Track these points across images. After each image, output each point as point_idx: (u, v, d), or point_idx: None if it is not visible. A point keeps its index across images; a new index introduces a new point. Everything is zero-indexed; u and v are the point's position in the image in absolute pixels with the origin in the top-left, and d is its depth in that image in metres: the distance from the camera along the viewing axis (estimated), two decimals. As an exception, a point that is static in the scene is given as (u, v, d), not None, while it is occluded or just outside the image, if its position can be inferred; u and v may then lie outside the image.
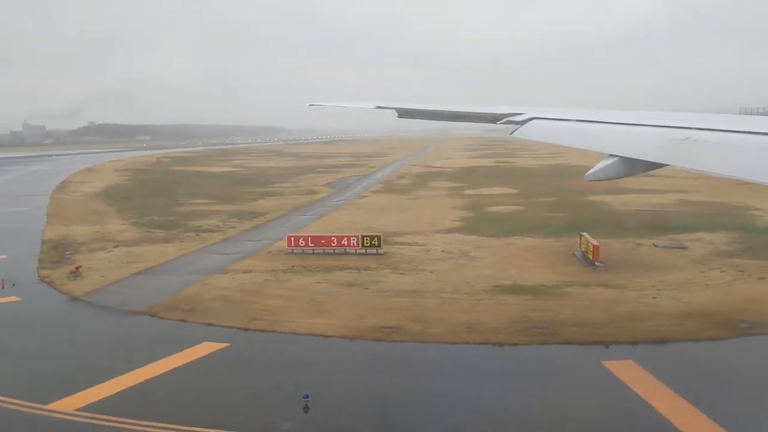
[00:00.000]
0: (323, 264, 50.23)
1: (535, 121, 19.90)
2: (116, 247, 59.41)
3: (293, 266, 49.72)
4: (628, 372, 27.86)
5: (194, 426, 23.05)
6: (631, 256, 51.56)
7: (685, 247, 53.98)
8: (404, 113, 27.29)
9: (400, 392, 26.60)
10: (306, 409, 24.42)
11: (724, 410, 23.85)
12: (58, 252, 57.10)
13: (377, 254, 53.62)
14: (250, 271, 48.02)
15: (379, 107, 28.34)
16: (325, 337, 33.16)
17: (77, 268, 47.93)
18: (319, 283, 44.36)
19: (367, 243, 54.65)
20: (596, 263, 47.96)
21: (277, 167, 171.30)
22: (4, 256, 54.79)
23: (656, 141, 13.99)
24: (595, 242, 49.32)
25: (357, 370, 29.48)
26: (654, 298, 39.20)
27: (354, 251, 54.15)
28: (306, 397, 24.67)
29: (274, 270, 48.24)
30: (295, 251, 54.82)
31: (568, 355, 30.65)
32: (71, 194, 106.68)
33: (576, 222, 68.47)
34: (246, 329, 34.47)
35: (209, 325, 35.26)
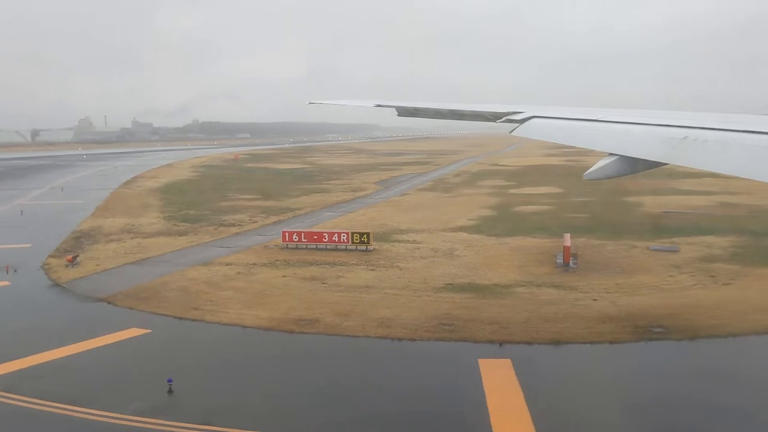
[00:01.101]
0: (306, 259, 52.08)
1: (534, 119, 19.98)
2: (133, 238, 63.40)
3: (276, 260, 51.83)
4: (493, 370, 28.30)
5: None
6: (613, 258, 50.68)
7: (676, 251, 52.49)
8: (404, 111, 27.54)
9: (254, 378, 28.32)
10: (170, 391, 26.23)
11: (553, 415, 24.06)
12: (77, 242, 61.58)
13: (366, 251, 54.88)
14: (230, 264, 50.47)
15: (378, 105, 28.56)
16: (244, 327, 34.95)
17: (74, 257, 51.80)
18: (284, 276, 46.24)
19: (357, 240, 56.05)
20: (568, 264, 47.63)
21: (344, 164, 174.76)
22: (29, 245, 59.58)
23: (655, 140, 14.08)
24: (567, 243, 48.92)
25: (239, 357, 31.05)
26: (594, 300, 38.85)
27: (345, 247, 55.63)
28: (170, 380, 26.50)
29: (254, 264, 50.49)
30: (289, 246, 56.90)
31: (451, 351, 31.18)
32: (133, 188, 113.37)
33: (592, 223, 67.96)
34: (180, 318, 36.73)
35: (151, 312, 37.74)
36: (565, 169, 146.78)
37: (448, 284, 43.48)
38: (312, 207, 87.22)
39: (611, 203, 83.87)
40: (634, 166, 14.43)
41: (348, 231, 57.79)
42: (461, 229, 66.57)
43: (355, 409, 25.05)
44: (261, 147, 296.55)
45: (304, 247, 56.67)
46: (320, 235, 57.60)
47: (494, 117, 22.19)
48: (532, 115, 20.27)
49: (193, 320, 36.28)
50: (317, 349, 31.87)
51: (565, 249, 48.21)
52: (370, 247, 55.68)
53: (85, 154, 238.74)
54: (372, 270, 48.19)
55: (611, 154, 14.77)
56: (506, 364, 29.01)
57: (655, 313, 35.85)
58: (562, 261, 48.46)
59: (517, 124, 20.31)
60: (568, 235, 52.44)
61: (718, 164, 11.74)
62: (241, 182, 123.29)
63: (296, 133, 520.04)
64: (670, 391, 26.34)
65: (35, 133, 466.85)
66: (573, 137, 17.93)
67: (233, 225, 71.45)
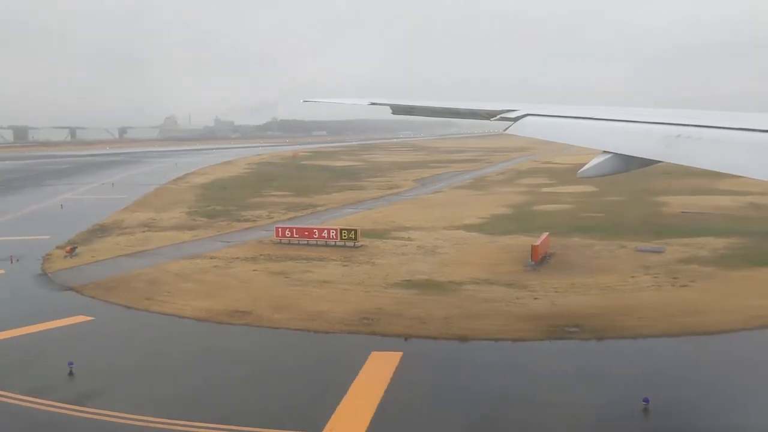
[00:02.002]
0: (290, 254, 53.63)
1: (528, 117, 20.03)
2: (144, 232, 66.60)
3: (260, 255, 53.63)
4: (379, 362, 29.00)
5: None
6: (592, 258, 50.11)
7: (661, 251, 51.33)
8: (398, 109, 27.80)
9: (152, 363, 29.97)
10: (70, 373, 28.19)
11: (397, 403, 24.66)
12: (91, 234, 65.19)
13: (354, 247, 55.98)
14: (214, 258, 52.55)
15: (373, 103, 28.65)
16: (180, 317, 36.67)
17: (72, 248, 55.04)
18: (255, 270, 47.91)
19: (344, 236, 57.23)
20: (538, 263, 47.56)
21: (395, 161, 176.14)
22: (47, 237, 63.38)
23: (650, 138, 14.18)
24: (536, 242, 48.73)
25: (153, 345, 32.77)
26: (535, 299, 38.79)
27: (334, 243, 56.90)
28: (70, 363, 28.45)
29: (237, 258, 52.41)
30: (282, 241, 58.62)
31: (352, 342, 32.00)
32: (179, 185, 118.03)
33: (601, 222, 67.29)
34: (128, 307, 38.79)
35: (105, 301, 40.01)
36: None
37: (405, 281, 44.07)
38: (337, 204, 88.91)
39: (635, 203, 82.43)
40: (628, 163, 14.68)
41: (337, 227, 58.99)
42: (464, 227, 66.69)
43: (205, 392, 26.52)
44: (329, 144, 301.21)
45: (297, 242, 58.18)
46: (311, 231, 59.03)
47: (488, 115, 22.37)
48: (526, 113, 20.39)
49: (138, 309, 38.25)
50: (227, 339, 33.25)
51: (533, 248, 47.95)
52: (358, 244, 56.66)
53: (158, 151, 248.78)
54: (345, 266, 49.23)
55: (605, 152, 14.97)
56: (395, 357, 29.59)
57: (583, 313, 35.54)
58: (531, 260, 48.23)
59: (512, 122, 20.50)
60: (545, 235, 52.23)
61: (712, 162, 11.92)
62: (285, 179, 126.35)
63: (369, 130, 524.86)
64: (517, 388, 26.57)
65: (123, 131, 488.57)
66: (566, 135, 18.28)
67: (248, 220, 73.77)
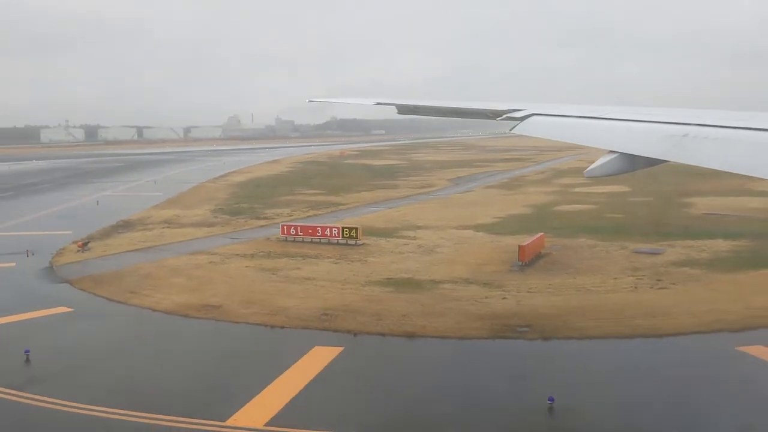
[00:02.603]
0: (290, 251, 54.89)
1: (534, 117, 20.12)
2: (164, 228, 69.02)
3: (261, 251, 55.07)
4: (316, 355, 29.85)
5: None
6: (586, 259, 49.74)
7: (659, 253, 50.49)
8: (404, 109, 28.23)
9: (108, 353, 31.58)
10: (27, 361, 29.94)
11: (318, 390, 25.69)
12: (114, 230, 67.86)
13: (355, 245, 56.82)
14: (215, 254, 54.18)
15: (378, 103, 28.93)
16: (153, 311, 38.20)
17: (84, 243, 57.61)
18: (246, 267, 49.26)
19: (346, 234, 58.13)
20: (524, 263, 47.48)
21: (438, 160, 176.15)
22: (69, 232, 66.27)
23: (656, 137, 14.29)
24: (524, 243, 48.60)
25: (116, 335, 34.57)
26: (503, 299, 38.83)
27: (336, 241, 57.88)
28: (27, 351, 30.19)
29: (236, 254, 53.96)
30: (288, 239, 59.92)
31: (301, 338, 32.85)
32: (217, 183, 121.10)
33: (619, 223, 66.64)
34: (110, 299, 40.59)
35: (93, 294, 41.96)
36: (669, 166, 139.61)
37: (387, 279, 44.65)
38: (364, 202, 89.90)
39: (662, 204, 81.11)
40: (634, 163, 14.77)
41: (339, 226, 59.92)
42: (474, 227, 66.62)
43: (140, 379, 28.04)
44: (380, 143, 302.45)
45: (301, 240, 59.36)
46: (314, 229, 60.17)
47: (494, 115, 22.59)
48: (531, 112, 20.51)
49: (118, 302, 39.95)
50: (184, 331, 34.67)
51: (521, 248, 47.78)
52: (360, 242, 57.46)
53: (213, 150, 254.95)
54: (336, 263, 50.11)
55: (612, 152, 14.98)
56: (335, 351, 30.30)
57: (543, 313, 35.51)
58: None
59: (518, 122, 20.63)
60: (539, 235, 52.04)
61: (718, 161, 12.02)
62: (323, 178, 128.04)
63: (429, 129, 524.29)
64: (435, 384, 27.14)
65: (187, 131, 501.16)
66: (572, 135, 18.53)
67: (266, 218, 75.34)
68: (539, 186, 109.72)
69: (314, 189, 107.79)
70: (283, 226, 61.78)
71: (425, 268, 47.61)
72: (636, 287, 40.83)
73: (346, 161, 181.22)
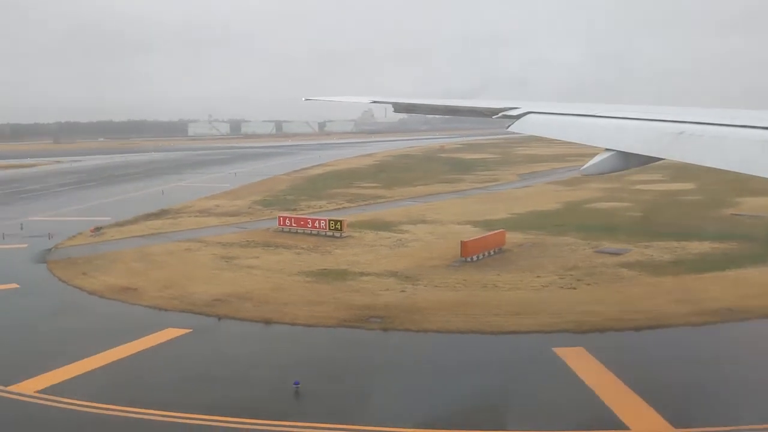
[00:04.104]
0: (274, 241, 57.66)
1: (530, 115, 20.30)
2: (194, 216, 73.69)
3: (248, 240, 58.26)
4: (160, 336, 32.64)
5: None
6: (536, 257, 49.21)
7: (619, 254, 48.56)
8: (400, 108, 29.02)
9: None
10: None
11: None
12: (145, 217, 73.13)
13: (339, 237, 58.65)
14: (202, 242, 57.80)
15: (375, 102, 30.14)
16: (81, 290, 41.98)
17: (97, 228, 63.21)
18: (213, 255, 52.35)
19: (332, 226, 60.01)
20: (466, 259, 47.38)
21: (533, 155, 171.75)
22: (108, 218, 72.60)
23: (652, 135, 14.41)
24: (467, 239, 48.53)
25: (29, 312, 38.32)
26: (401, 292, 39.77)
27: (324, 233, 59.91)
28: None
29: (220, 243, 57.25)
30: (284, 230, 62.67)
31: (168, 320, 35.57)
32: (290, 176, 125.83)
33: (630, 222, 64.97)
34: (59, 279, 44.85)
35: (51, 274, 46.53)
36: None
37: (323, 270, 46.31)
38: (408, 196, 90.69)
39: (705, 203, 76.73)
40: (630, 161, 14.88)
41: (326, 218, 61.76)
42: (479, 223, 66.04)
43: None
44: (497, 137, 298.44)
45: (294, 231, 61.85)
46: (306, 220, 62.40)
47: (490, 113, 22.81)
48: (528, 110, 20.66)
49: (63, 282, 44.16)
50: (82, 310, 38.27)
51: (462, 244, 47.56)
52: (345, 234, 59.13)
53: (323, 144, 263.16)
54: (298, 254, 52.20)
55: (608, 150, 15.14)
56: (179, 333, 33.13)
57: (417, 306, 36.57)
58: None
59: (514, 120, 20.82)
60: (497, 231, 51.51)
61: (713, 159, 12.10)
62: (396, 171, 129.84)
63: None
64: (236, 365, 29.01)
65: (322, 125, 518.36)
66: (569, 133, 18.43)
67: (296, 210, 78.21)
68: (605, 182, 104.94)
69: (375, 182, 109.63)
70: (279, 217, 64.47)
71: (371, 261, 48.59)
72: (547, 286, 39.90)
73: (440, 155, 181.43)
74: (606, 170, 14.98)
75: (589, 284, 40.00)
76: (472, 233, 60.00)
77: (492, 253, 49.40)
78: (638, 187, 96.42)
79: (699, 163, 12.07)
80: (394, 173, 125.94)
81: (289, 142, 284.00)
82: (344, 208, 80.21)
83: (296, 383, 25.28)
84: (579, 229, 59.75)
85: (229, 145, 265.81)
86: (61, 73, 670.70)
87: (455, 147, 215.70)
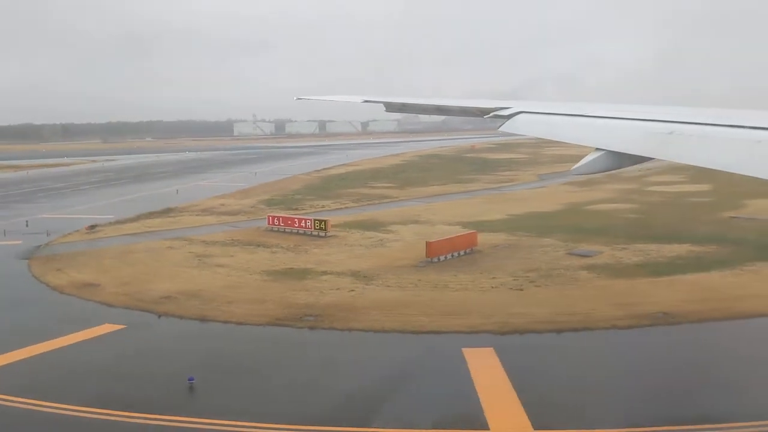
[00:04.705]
0: (258, 240, 58.51)
1: (521, 115, 20.15)
2: (196, 215, 75.04)
3: (232, 239, 59.23)
4: (95, 330, 33.69)
5: None
6: (503, 258, 48.81)
7: (588, 256, 47.93)
8: (392, 107, 28.16)
9: None
10: None
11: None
12: (146, 216, 74.71)
13: (323, 236, 59.17)
14: (188, 240, 58.94)
15: (366, 101, 29.55)
16: (47, 286, 43.23)
17: (91, 226, 64.97)
18: (189, 253, 53.28)
19: (317, 226, 60.51)
20: (431, 260, 47.33)
21: (561, 155, 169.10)
22: (112, 216, 74.54)
23: (642, 135, 14.46)
24: (432, 240, 48.44)
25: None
26: (349, 291, 40.01)
27: (310, 233, 60.48)
28: None
29: (204, 241, 58.25)
30: (274, 229, 63.46)
31: (107, 315, 36.47)
32: (311, 175, 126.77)
33: (622, 224, 63.97)
34: (32, 276, 46.30)
35: (27, 269, 48.02)
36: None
37: (288, 269, 46.96)
38: (416, 197, 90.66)
39: (711, 205, 74.49)
40: (620, 160, 14.76)
41: (311, 218, 62.26)
42: (467, 224, 64.97)
43: None
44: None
45: (282, 230, 62.57)
46: (293, 220, 63.02)
47: (481, 113, 22.66)
48: (519, 110, 20.45)
49: (35, 278, 45.54)
50: (37, 302, 39.74)
51: (427, 245, 47.47)
52: (329, 233, 59.60)
53: (360, 143, 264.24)
54: (273, 253, 52.86)
55: (598, 149, 15.01)
56: (113, 328, 34.06)
57: (348, 305, 36.94)
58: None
59: (505, 120, 20.57)
60: (468, 232, 51.23)
61: (703, 158, 12.10)
62: (416, 171, 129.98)
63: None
64: (149, 362, 29.72)
65: (365, 125, 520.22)
66: (560, 132, 18.39)
67: (300, 209, 78.84)
68: (622, 183, 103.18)
69: (390, 182, 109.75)
70: (269, 216, 65.24)
71: (341, 261, 48.95)
72: (497, 287, 39.77)
73: (468, 154, 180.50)
74: (596, 170, 14.93)
75: (538, 286, 39.52)
76: (455, 234, 59.81)
77: (462, 254, 49.01)
78: (653, 188, 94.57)
79: (688, 163, 12.25)
80: (413, 173, 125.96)
81: (326, 142, 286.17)
82: (347, 207, 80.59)
83: (191, 379, 25.74)
84: (568, 230, 58.88)
85: (267, 144, 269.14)
86: (114, 75, 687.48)
87: (487, 147, 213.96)
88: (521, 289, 38.91)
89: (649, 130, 14.22)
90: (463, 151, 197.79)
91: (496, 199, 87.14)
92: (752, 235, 54.14)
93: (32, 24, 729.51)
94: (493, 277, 41.92)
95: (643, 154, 13.58)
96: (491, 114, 21.16)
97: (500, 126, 20.28)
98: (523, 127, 19.32)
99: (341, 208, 79.70)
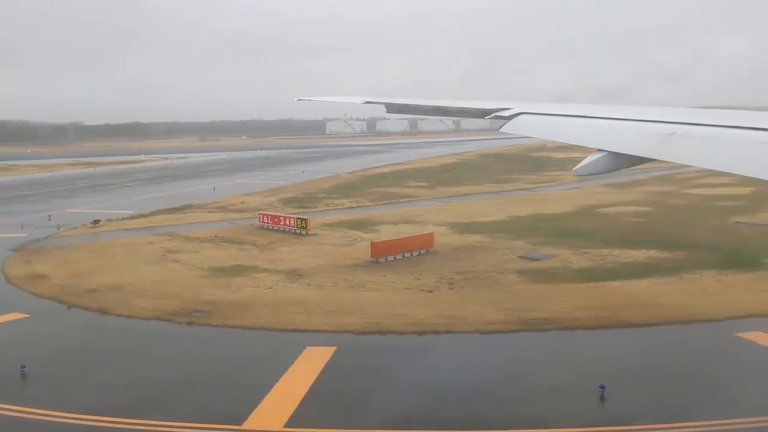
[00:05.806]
0: (240, 238, 59.88)
1: (522, 116, 20.21)
2: (205, 212, 77.48)
3: (217, 236, 60.83)
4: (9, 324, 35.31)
5: None
6: (456, 260, 47.64)
7: (539, 260, 46.73)
8: (392, 108, 28.75)
9: None
10: None
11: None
12: (160, 212, 77.83)
13: (305, 234, 60.06)
14: (175, 235, 60.83)
15: (368, 102, 30.24)
16: (5, 278, 45.72)
17: (96, 221, 68.18)
18: (162, 248, 55.03)
19: (299, 224, 61.37)
20: (376, 260, 47.22)
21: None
22: (131, 212, 77.91)
23: (643, 136, 14.53)
24: (377, 240, 48.24)
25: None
26: (268, 288, 40.89)
27: (293, 231, 61.47)
28: None
29: (188, 237, 60.06)
30: (264, 226, 64.81)
31: (27, 305, 38.44)
32: (354, 174, 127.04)
33: (621, 228, 61.56)
34: (1, 268, 49.19)
35: (2, 261, 50.97)
36: None
37: (235, 265, 47.85)
38: (441, 196, 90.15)
39: (720, 210, 69.81)
40: (621, 161, 14.85)
41: (294, 216, 63.07)
42: (460, 225, 64.31)
43: None
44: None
45: (270, 228, 63.79)
46: (279, 218, 64.04)
47: (482, 114, 22.74)
48: (519, 111, 20.46)
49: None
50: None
51: (372, 245, 47.24)
52: (311, 232, 60.37)
53: (435, 141, 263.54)
54: (241, 250, 53.89)
55: (599, 150, 15.18)
56: (17, 317, 36.00)
57: (244, 302, 37.58)
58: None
59: (506, 121, 20.64)
60: (424, 233, 50.96)
61: (704, 160, 12.22)
62: (462, 170, 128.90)
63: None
64: (42, 353, 30.74)
65: (457, 122, 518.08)
66: (561, 133, 18.56)
67: (313, 208, 79.71)
68: (665, 185, 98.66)
69: (426, 182, 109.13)
70: (260, 214, 66.55)
71: (294, 259, 49.69)
72: (410, 288, 39.85)
73: (532, 153, 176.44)
74: (598, 171, 15.14)
75: (452, 288, 38.72)
76: (442, 234, 58.85)
77: (414, 254, 48.40)
78: (692, 191, 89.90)
79: (689, 164, 12.41)
80: (459, 172, 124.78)
81: (405, 140, 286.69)
82: (359, 206, 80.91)
83: (23, 367, 26.87)
84: (553, 233, 57.35)
85: (345, 143, 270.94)
86: (219, 75, 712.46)
87: (557, 146, 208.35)
88: (431, 291, 38.26)
89: (650, 131, 14.34)
90: (530, 149, 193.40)
91: (518, 200, 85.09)
92: (739, 240, 50.83)
93: (142, 29, 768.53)
94: (419, 279, 41.29)
95: (643, 155, 13.71)
96: (492, 115, 21.26)
97: (501, 127, 20.39)
98: (524, 128, 19.43)
99: (353, 207, 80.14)
